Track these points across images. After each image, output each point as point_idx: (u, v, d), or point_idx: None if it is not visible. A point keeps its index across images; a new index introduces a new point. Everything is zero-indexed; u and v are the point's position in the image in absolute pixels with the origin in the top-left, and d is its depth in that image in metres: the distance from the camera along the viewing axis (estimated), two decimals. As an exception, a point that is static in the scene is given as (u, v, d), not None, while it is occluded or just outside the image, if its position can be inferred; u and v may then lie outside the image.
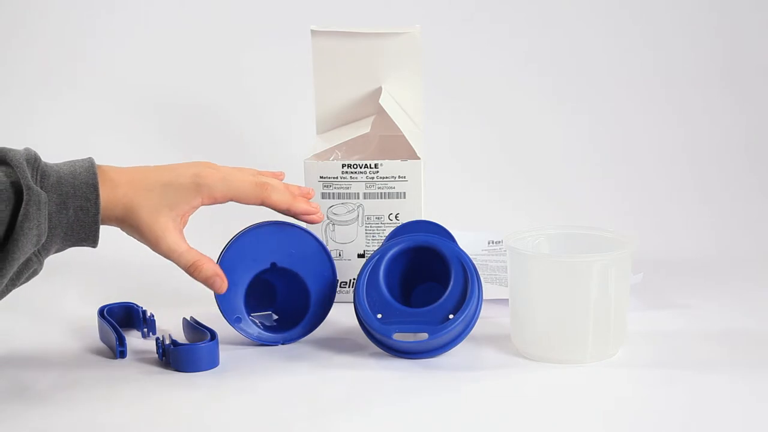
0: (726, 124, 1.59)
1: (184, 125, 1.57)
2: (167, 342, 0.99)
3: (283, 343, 1.05)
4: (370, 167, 1.17)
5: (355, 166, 1.17)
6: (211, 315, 1.05)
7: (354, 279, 1.19)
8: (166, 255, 0.98)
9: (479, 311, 1.00)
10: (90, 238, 0.94)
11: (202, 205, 0.99)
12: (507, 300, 1.03)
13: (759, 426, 0.85)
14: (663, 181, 1.56)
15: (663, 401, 0.89)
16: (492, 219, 1.50)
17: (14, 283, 0.91)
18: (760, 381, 0.93)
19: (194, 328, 1.04)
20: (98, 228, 0.93)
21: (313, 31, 1.20)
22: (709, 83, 1.60)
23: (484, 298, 1.05)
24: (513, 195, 1.55)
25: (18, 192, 0.89)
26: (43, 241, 0.91)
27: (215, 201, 0.99)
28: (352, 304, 1.03)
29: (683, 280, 1.28)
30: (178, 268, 0.99)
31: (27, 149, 0.93)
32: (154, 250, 0.98)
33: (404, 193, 1.18)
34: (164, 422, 0.87)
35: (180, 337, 1.05)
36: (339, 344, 1.05)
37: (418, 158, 1.18)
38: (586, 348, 0.97)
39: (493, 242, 1.36)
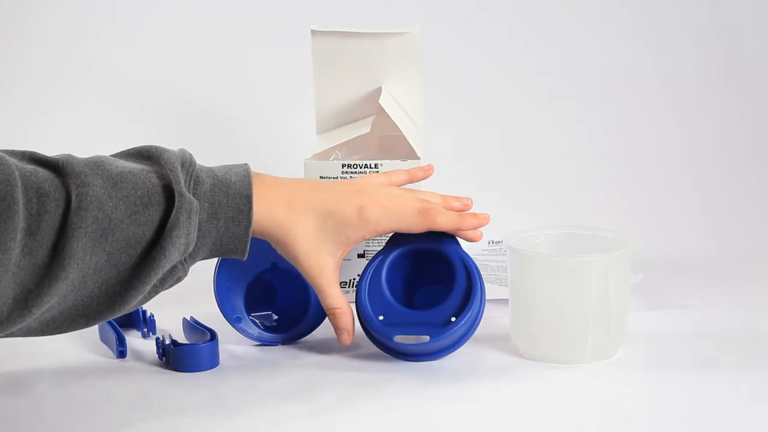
0: (726, 124, 1.59)
1: (184, 125, 1.57)
2: (167, 342, 0.99)
3: (283, 343, 1.05)
4: (370, 167, 1.17)
5: (355, 166, 1.17)
6: (211, 315, 1.05)
7: (354, 279, 1.19)
8: (314, 287, 0.98)
9: (482, 314, 1.00)
10: (239, 251, 0.92)
11: (364, 240, 0.98)
12: (507, 300, 1.03)
13: (759, 426, 0.85)
14: (663, 181, 1.56)
15: (663, 401, 0.89)
16: (492, 219, 1.49)
17: (157, 289, 0.88)
18: (760, 381, 0.93)
19: (194, 328, 1.04)
20: (248, 241, 0.91)
21: (313, 31, 1.19)
22: (709, 83, 1.60)
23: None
24: (513, 195, 1.55)
25: (169, 197, 0.86)
26: (191, 250, 0.88)
27: (378, 235, 0.99)
28: (353, 305, 1.03)
29: (683, 280, 1.27)
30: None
31: (182, 150, 0.90)
32: (302, 273, 0.97)
33: (404, 193, 1.18)
34: (164, 422, 0.87)
35: (180, 337, 1.05)
36: (339, 344, 1.05)
37: (418, 158, 1.18)
38: (586, 348, 0.97)
39: (493, 242, 1.36)
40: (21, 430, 0.87)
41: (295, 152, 1.29)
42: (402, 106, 1.23)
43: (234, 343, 1.05)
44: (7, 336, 0.82)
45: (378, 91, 1.22)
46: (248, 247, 0.92)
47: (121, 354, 1.02)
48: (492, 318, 1.08)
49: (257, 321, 1.06)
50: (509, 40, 1.61)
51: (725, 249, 1.41)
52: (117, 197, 0.84)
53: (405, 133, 1.18)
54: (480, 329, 1.01)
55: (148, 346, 1.05)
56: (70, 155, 0.85)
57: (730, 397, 0.90)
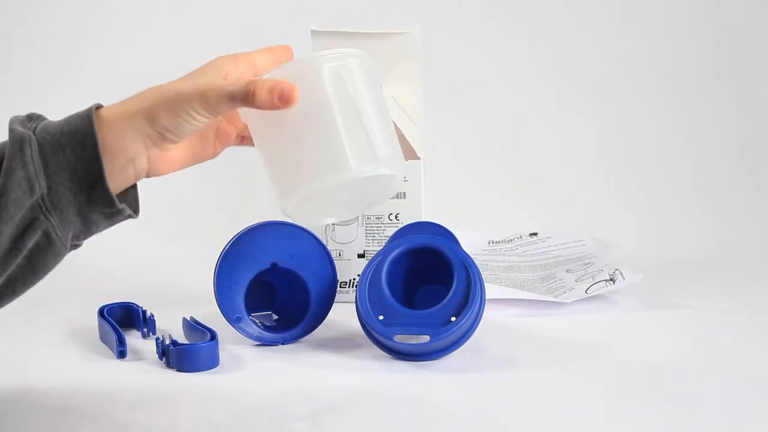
0: (725, 124, 1.59)
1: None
2: (167, 342, 0.99)
3: (283, 343, 1.05)
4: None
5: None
6: (211, 315, 1.05)
7: (354, 279, 1.19)
8: (217, 101, 0.83)
9: (482, 314, 1.00)
10: (99, 184, 0.78)
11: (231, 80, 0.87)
12: (507, 300, 1.03)
13: (759, 426, 0.85)
14: (663, 181, 1.56)
15: (663, 401, 0.89)
16: (492, 219, 1.50)
17: (19, 247, 0.78)
18: (760, 381, 0.93)
19: (194, 328, 1.04)
20: (101, 165, 0.78)
21: (313, 31, 1.19)
22: (708, 83, 1.60)
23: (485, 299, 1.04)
24: (513, 195, 1.55)
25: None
26: (43, 191, 0.77)
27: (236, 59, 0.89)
28: (353, 305, 1.03)
29: (683, 280, 1.28)
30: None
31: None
32: (200, 114, 0.83)
33: (404, 193, 1.18)
34: (164, 422, 0.87)
35: (180, 337, 1.05)
36: (339, 344, 1.05)
37: (418, 158, 1.18)
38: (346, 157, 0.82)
39: (493, 242, 1.36)
40: (20, 430, 0.87)
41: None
42: (402, 106, 1.23)
43: (234, 343, 1.05)
44: None
45: (378, 91, 1.22)
46: (105, 178, 0.78)
47: (121, 354, 1.02)
48: (492, 318, 1.08)
49: (257, 321, 1.06)
50: (509, 40, 1.61)
51: (726, 249, 1.41)
52: None
53: (405, 133, 1.18)
54: (480, 329, 1.01)
55: (148, 346, 1.05)
56: None
57: (731, 397, 0.90)
